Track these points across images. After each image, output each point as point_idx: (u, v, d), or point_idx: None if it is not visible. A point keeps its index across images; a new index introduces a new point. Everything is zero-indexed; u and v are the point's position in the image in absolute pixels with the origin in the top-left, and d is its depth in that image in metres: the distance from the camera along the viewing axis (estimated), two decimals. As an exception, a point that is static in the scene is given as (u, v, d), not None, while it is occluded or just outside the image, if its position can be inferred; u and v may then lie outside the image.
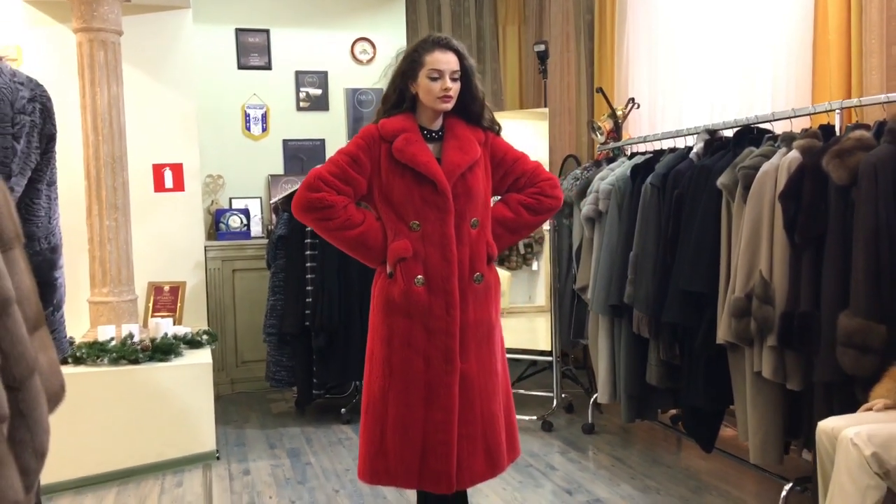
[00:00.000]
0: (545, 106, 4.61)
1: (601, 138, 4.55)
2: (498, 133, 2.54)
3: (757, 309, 2.66)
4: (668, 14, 4.39)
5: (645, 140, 4.01)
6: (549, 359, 4.34)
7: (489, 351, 2.46)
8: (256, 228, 5.41)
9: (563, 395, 4.39)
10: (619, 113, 4.52)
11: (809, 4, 3.36)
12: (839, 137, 2.58)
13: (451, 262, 2.36)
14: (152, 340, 3.71)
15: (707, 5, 4.05)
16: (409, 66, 2.42)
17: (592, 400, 4.08)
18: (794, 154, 2.67)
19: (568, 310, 4.33)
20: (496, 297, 2.52)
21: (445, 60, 2.37)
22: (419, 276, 2.37)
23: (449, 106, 2.41)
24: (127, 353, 3.61)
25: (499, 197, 2.60)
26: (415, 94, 2.43)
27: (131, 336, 3.71)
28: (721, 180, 2.93)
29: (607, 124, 4.54)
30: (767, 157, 2.80)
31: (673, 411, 4.06)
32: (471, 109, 2.46)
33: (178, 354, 3.76)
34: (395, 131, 2.41)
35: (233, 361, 5.08)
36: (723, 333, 2.84)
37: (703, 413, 3.18)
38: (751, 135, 3.11)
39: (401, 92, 2.46)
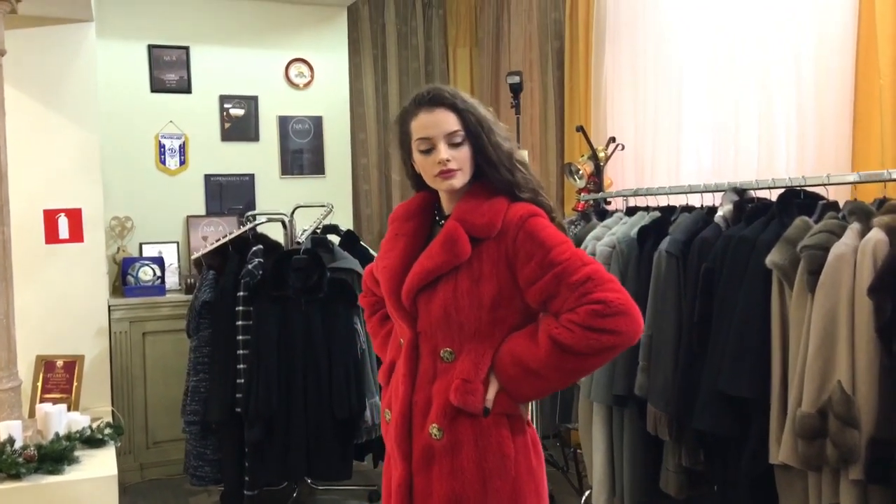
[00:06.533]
0: (519, 145, 3.99)
1: (580, 182, 3.98)
2: (539, 215, 1.72)
3: (837, 432, 2.09)
4: (658, 40, 3.84)
5: (636, 193, 3.41)
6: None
7: None
8: (172, 279, 4.62)
9: (542, 485, 3.77)
10: (600, 155, 3.96)
11: (849, 32, 2.83)
12: (939, 216, 2.05)
13: (399, 402, 1.76)
14: (38, 448, 2.90)
15: (711, 33, 3.50)
16: (401, 141, 1.81)
17: (584, 499, 3.48)
18: (878, 234, 2.12)
19: (551, 388, 3.72)
20: (489, 469, 1.69)
21: (434, 122, 1.71)
22: (387, 410, 1.83)
23: (455, 182, 1.72)
24: (5, 466, 2.79)
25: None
26: (419, 173, 1.80)
27: (12, 441, 2.89)
28: (772, 259, 2.37)
29: (587, 167, 3.97)
30: (834, 233, 2.25)
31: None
32: (493, 177, 1.74)
33: (72, 461, 2.97)
34: (394, 219, 1.88)
35: (142, 442, 4.24)
36: (785, 455, 2.26)
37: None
38: (797, 199, 2.57)
39: (410, 170, 1.86)
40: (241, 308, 3.44)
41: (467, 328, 1.69)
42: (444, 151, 1.69)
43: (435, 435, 1.69)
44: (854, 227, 2.23)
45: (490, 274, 1.68)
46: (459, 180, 1.72)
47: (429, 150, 1.71)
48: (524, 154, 3.69)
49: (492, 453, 1.69)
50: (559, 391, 3.69)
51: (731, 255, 2.55)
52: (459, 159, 1.71)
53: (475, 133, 1.71)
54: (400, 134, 1.80)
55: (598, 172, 3.96)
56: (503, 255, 1.69)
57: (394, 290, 1.76)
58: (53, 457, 2.90)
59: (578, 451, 3.83)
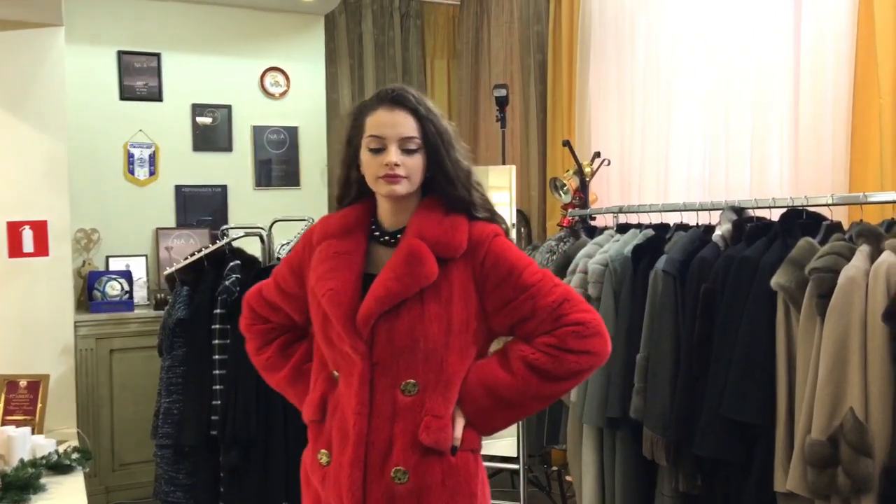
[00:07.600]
0: (503, 160, 3.92)
1: (566, 198, 3.92)
2: (502, 234, 1.67)
3: (850, 460, 2.03)
4: (646, 52, 3.80)
5: (621, 210, 3.34)
6: (515, 466, 3.61)
7: None
8: (140, 293, 4.44)
9: (528, 508, 3.68)
10: (586, 170, 3.90)
11: (846, 46, 2.79)
12: (953, 239, 2.01)
13: (350, 443, 1.56)
14: (2, 476, 2.72)
15: (701, 43, 3.46)
16: (350, 136, 1.66)
17: (573, 523, 3.40)
18: (891, 257, 2.08)
19: (538, 408, 3.63)
20: None
21: (392, 122, 1.58)
22: (323, 451, 1.63)
23: (398, 188, 1.59)
24: (-35, 496, 2.62)
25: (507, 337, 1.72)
26: (363, 175, 1.66)
27: (-28, 469, 2.71)
28: (777, 280, 2.31)
29: (573, 182, 3.91)
30: (843, 256, 2.20)
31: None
32: (449, 194, 1.64)
33: (38, 490, 2.79)
34: (327, 234, 1.67)
35: (108, 464, 4.05)
36: (793, 483, 2.19)
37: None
38: (799, 219, 2.52)
39: (347, 174, 1.70)
40: (217, 326, 3.28)
41: (434, 357, 1.56)
42: (394, 154, 1.57)
43: (399, 479, 1.54)
44: (863, 249, 2.18)
45: (459, 297, 1.59)
46: (404, 188, 1.59)
47: (379, 150, 1.58)
48: (511, 167, 3.61)
49: (461, 495, 1.58)
50: (546, 412, 3.61)
51: (734, 276, 2.49)
52: (409, 167, 1.59)
53: (433, 144, 1.61)
54: (351, 128, 1.65)
55: (583, 188, 3.91)
56: (470, 277, 1.60)
57: (347, 316, 1.56)
58: (18, 485, 2.72)
59: (562, 470, 3.76)
